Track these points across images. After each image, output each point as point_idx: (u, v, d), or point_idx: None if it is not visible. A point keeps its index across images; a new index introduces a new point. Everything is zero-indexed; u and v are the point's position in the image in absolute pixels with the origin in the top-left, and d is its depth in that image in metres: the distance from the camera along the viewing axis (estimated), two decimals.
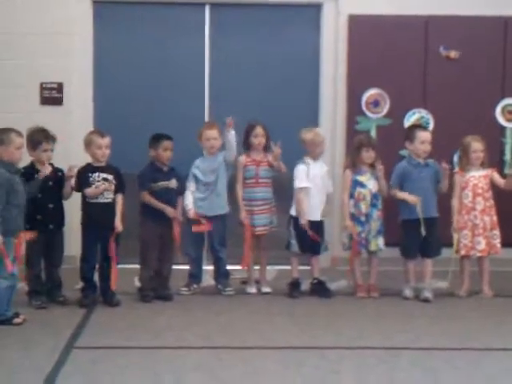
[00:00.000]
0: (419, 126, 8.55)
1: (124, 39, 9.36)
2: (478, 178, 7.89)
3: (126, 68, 9.33)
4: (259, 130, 7.93)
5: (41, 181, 7.11)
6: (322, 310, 7.38)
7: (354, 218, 7.86)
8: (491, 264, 8.03)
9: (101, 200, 7.38)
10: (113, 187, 7.43)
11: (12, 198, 6.60)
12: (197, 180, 7.88)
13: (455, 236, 7.85)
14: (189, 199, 7.80)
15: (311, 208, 7.85)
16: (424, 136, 7.83)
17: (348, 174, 7.92)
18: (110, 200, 7.41)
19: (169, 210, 7.61)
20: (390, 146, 8.40)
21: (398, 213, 7.83)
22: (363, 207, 7.85)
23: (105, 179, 7.41)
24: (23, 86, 8.91)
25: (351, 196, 7.87)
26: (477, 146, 7.87)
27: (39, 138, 7.27)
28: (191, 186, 7.86)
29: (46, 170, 7.14)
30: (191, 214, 7.78)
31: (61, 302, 7.33)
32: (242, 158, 7.93)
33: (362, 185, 7.87)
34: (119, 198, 7.48)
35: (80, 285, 7.50)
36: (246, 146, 8.01)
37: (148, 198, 7.62)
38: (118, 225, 7.39)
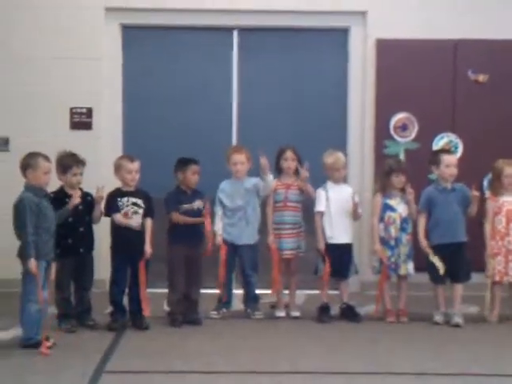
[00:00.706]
0: (445, 149, 8.51)
1: (153, 64, 9.43)
2: (511, 204, 7.84)
3: (154, 92, 9.40)
4: (289, 154, 7.95)
5: (70, 208, 7.15)
6: (352, 335, 7.34)
7: (384, 241, 7.83)
8: None
9: (128, 224, 7.41)
10: (141, 212, 7.46)
11: (41, 222, 6.63)
12: (222, 205, 7.90)
13: (491, 262, 7.77)
14: (218, 225, 7.82)
15: (334, 232, 7.84)
16: (449, 160, 7.79)
17: (378, 197, 7.90)
18: (135, 224, 7.43)
19: (199, 220, 7.64)
20: (418, 170, 8.33)
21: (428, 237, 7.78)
22: (393, 231, 7.82)
23: (134, 204, 7.45)
24: (53, 110, 8.98)
25: (381, 220, 7.85)
26: (510, 170, 7.82)
27: (69, 162, 7.33)
28: (218, 210, 7.87)
29: (75, 200, 7.18)
30: (219, 240, 7.79)
31: (90, 326, 7.34)
32: (273, 182, 7.94)
33: (392, 209, 7.85)
34: (148, 223, 7.49)
35: (109, 309, 7.51)
36: (277, 170, 8.03)
37: (177, 216, 7.61)
38: (148, 249, 7.40)
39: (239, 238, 7.88)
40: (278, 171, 8.02)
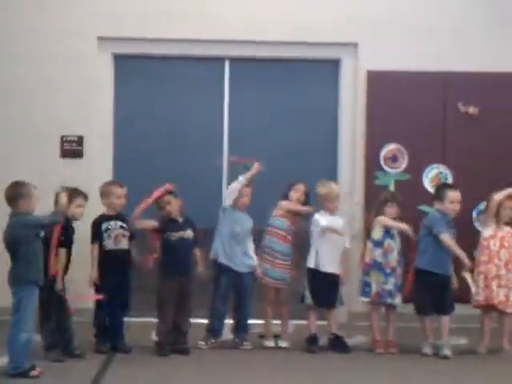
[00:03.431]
0: (449, 185, 8.53)
1: (144, 93, 9.45)
2: (505, 232, 7.89)
3: (145, 121, 9.41)
4: (300, 187, 8.02)
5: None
6: (340, 366, 7.31)
7: (380, 268, 7.83)
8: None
9: (119, 247, 7.54)
10: (127, 234, 7.62)
11: (34, 249, 6.63)
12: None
13: (467, 276, 7.80)
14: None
15: (326, 260, 7.84)
16: (454, 196, 7.82)
17: (382, 220, 7.89)
18: (126, 247, 7.58)
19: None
20: (408, 201, 8.33)
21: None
22: (391, 259, 7.83)
23: (121, 227, 7.60)
24: (44, 138, 8.98)
25: (380, 245, 7.85)
26: (509, 202, 7.92)
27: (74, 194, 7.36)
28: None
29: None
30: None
31: (77, 355, 7.27)
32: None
33: (392, 237, 7.87)
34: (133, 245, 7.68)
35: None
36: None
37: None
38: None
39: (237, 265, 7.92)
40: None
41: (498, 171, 9.01)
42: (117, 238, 7.57)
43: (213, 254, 7.91)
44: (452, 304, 7.76)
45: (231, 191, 7.90)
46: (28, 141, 8.99)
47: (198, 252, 7.80)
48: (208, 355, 7.58)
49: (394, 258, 7.83)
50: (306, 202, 8.04)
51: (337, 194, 7.99)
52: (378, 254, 7.84)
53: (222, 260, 7.86)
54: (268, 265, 7.93)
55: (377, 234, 7.89)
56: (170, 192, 7.71)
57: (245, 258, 7.91)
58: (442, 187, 8.18)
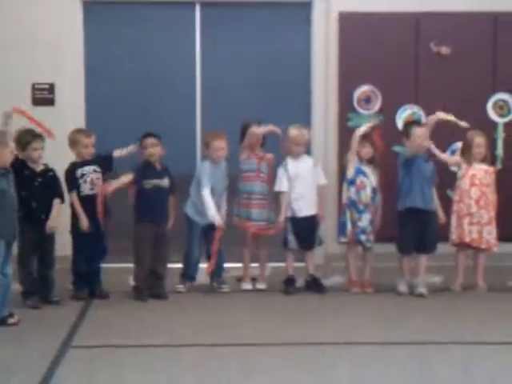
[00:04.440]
0: (416, 122, 8.56)
1: (115, 39, 9.33)
2: (477, 170, 7.94)
3: (116, 68, 9.30)
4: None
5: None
6: (317, 306, 7.39)
7: (353, 204, 7.88)
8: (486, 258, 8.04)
9: (95, 191, 7.59)
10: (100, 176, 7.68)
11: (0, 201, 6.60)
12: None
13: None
14: (213, 209, 7.75)
15: (301, 205, 7.88)
16: (420, 132, 7.84)
17: (352, 158, 7.93)
18: (95, 191, 7.59)
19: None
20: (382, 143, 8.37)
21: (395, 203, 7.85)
22: (363, 196, 7.87)
23: (95, 171, 7.64)
24: (15, 86, 8.88)
25: (352, 183, 7.89)
26: (479, 140, 7.95)
27: (27, 137, 7.30)
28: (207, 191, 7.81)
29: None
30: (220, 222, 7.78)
31: (55, 302, 7.32)
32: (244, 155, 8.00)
33: (364, 174, 7.90)
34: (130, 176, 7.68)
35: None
36: (242, 143, 8.04)
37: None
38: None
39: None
40: (245, 145, 8.02)
41: (471, 111, 9.00)
42: (92, 183, 7.58)
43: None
44: (434, 243, 7.82)
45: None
46: None
47: (172, 202, 7.82)
48: (185, 299, 7.63)
49: (366, 195, 7.87)
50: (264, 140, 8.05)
51: (306, 140, 8.04)
52: (351, 192, 7.89)
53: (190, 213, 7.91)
54: (243, 208, 7.96)
55: (350, 172, 7.93)
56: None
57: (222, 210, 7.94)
58: (408, 124, 8.22)
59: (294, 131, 7.95)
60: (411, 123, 8.33)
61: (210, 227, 7.81)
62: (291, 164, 7.93)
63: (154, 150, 7.68)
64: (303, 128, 8.10)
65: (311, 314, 7.08)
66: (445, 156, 8.12)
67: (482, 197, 7.90)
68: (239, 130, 8.08)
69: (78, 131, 7.88)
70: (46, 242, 7.36)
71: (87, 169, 7.59)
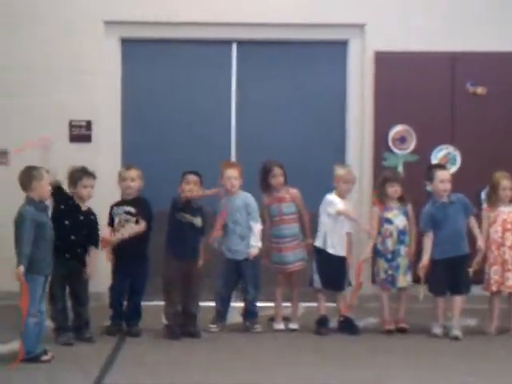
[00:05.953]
0: (439, 165, 8.50)
1: (152, 76, 9.43)
2: (507, 214, 7.85)
3: (153, 105, 9.40)
4: (277, 171, 7.97)
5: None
6: (350, 347, 7.33)
7: (381, 255, 7.86)
8: None
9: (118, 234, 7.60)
10: (133, 219, 7.61)
11: (40, 236, 6.61)
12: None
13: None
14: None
15: (334, 242, 7.84)
16: (443, 175, 7.80)
17: (375, 210, 7.92)
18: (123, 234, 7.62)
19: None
20: (417, 183, 8.29)
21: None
22: (390, 244, 7.83)
23: (127, 212, 7.63)
24: (52, 123, 8.97)
25: (378, 233, 7.87)
26: (506, 183, 7.86)
27: (79, 174, 7.38)
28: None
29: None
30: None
31: (87, 339, 7.30)
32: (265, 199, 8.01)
33: (389, 221, 7.87)
34: (142, 225, 7.62)
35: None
36: (264, 186, 8.05)
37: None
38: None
39: (240, 254, 7.90)
40: (265, 188, 8.03)
41: (507, 152, 8.98)
42: (120, 224, 7.61)
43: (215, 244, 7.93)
44: (468, 285, 7.75)
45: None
46: (36, 125, 8.92)
47: (204, 242, 7.80)
48: (218, 338, 7.61)
49: (393, 241, 7.83)
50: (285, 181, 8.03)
51: (354, 178, 8.04)
52: (378, 241, 7.88)
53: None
54: (276, 252, 7.97)
55: (373, 226, 7.91)
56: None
57: (241, 245, 7.90)
58: (431, 167, 8.16)
59: (340, 170, 7.94)
60: (435, 166, 8.27)
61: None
62: (339, 202, 7.86)
63: (194, 187, 7.68)
64: (348, 166, 8.19)
65: (343, 355, 7.03)
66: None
67: None
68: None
69: (123, 165, 8.03)
70: (78, 276, 7.36)
71: (119, 209, 7.66)
